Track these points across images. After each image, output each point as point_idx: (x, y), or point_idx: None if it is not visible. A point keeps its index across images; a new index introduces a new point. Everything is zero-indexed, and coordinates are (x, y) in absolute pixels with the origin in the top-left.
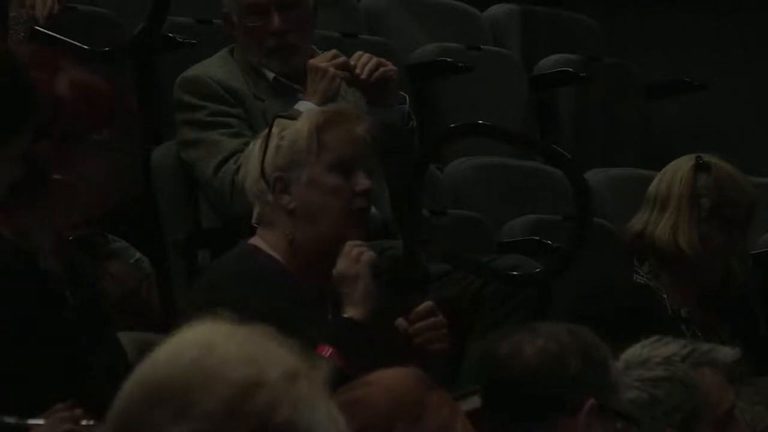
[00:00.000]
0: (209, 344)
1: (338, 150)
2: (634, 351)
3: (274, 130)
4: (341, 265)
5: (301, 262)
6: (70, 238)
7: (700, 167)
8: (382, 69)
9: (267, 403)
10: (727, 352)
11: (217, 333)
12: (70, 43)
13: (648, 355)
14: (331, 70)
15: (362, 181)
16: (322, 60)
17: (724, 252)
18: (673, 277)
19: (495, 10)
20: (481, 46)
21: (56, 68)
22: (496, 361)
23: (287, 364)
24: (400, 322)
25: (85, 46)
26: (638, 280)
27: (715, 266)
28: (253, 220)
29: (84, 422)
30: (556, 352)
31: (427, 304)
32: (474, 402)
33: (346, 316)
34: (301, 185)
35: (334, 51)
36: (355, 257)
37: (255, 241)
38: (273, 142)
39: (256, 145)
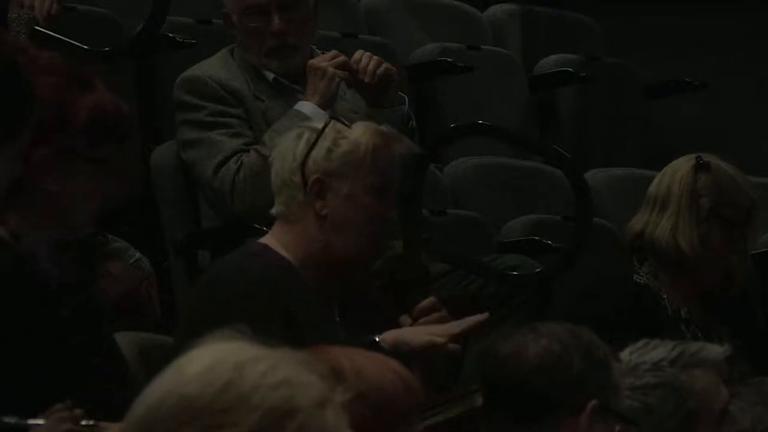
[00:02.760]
0: (240, 365)
1: (385, 174)
2: (622, 357)
3: (328, 130)
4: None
5: (320, 267)
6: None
7: (700, 167)
8: (383, 66)
9: (297, 430)
10: (716, 351)
11: (247, 354)
12: (70, 43)
13: (636, 361)
14: (330, 69)
15: (394, 209)
16: (321, 60)
17: (724, 252)
18: (672, 277)
19: (495, 10)
20: (481, 46)
21: (89, 87)
22: (498, 361)
23: (317, 391)
24: (404, 319)
25: (85, 46)
26: (638, 280)
27: (715, 266)
28: (274, 211)
29: (84, 422)
30: (559, 353)
31: (429, 300)
32: (475, 401)
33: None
34: (339, 196)
35: (334, 51)
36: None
37: (266, 240)
38: (324, 143)
39: (303, 136)
